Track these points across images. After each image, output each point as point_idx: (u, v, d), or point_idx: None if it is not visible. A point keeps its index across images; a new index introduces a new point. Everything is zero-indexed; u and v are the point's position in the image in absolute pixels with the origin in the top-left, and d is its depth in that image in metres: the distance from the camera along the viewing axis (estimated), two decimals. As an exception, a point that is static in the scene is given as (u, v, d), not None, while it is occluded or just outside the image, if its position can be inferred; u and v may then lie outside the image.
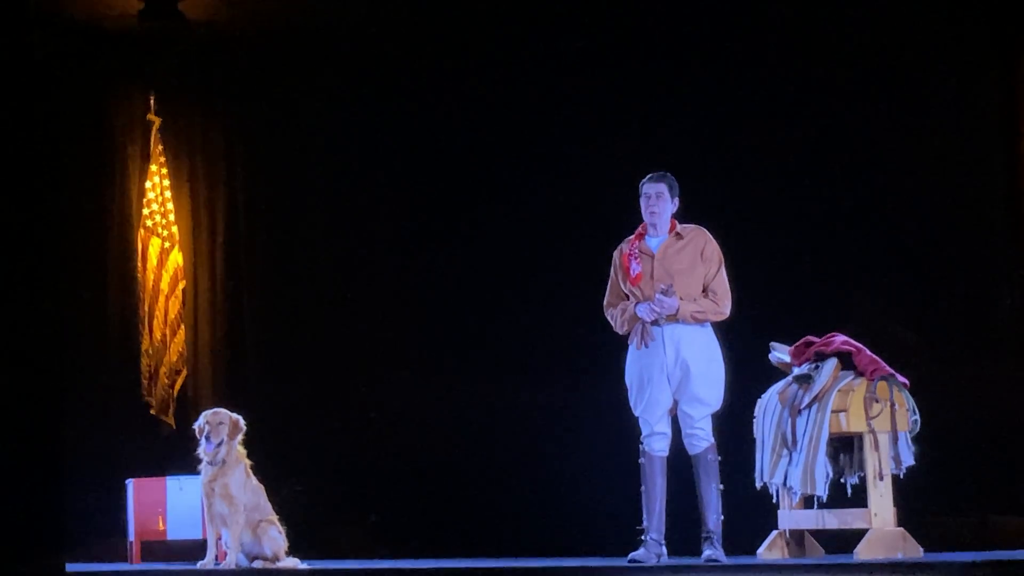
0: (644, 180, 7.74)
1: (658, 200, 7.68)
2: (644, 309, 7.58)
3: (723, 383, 7.63)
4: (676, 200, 7.72)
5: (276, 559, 7.99)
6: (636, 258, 7.66)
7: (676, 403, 7.61)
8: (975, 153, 8.87)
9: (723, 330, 7.74)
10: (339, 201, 10.35)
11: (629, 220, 7.80)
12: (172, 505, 9.34)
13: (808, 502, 7.87)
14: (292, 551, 8.11)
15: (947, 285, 8.84)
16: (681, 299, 7.54)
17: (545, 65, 9.70)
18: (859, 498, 7.74)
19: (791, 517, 7.92)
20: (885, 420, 7.68)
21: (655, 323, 7.58)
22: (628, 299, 7.71)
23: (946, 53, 8.90)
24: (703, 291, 7.63)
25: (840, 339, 7.92)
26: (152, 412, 10.35)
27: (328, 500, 9.90)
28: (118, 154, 10.66)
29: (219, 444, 7.90)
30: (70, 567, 7.67)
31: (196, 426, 8.02)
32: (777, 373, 8.11)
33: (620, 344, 7.76)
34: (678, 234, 7.70)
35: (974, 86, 8.88)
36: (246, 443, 8.05)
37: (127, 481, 9.50)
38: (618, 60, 9.51)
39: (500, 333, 9.70)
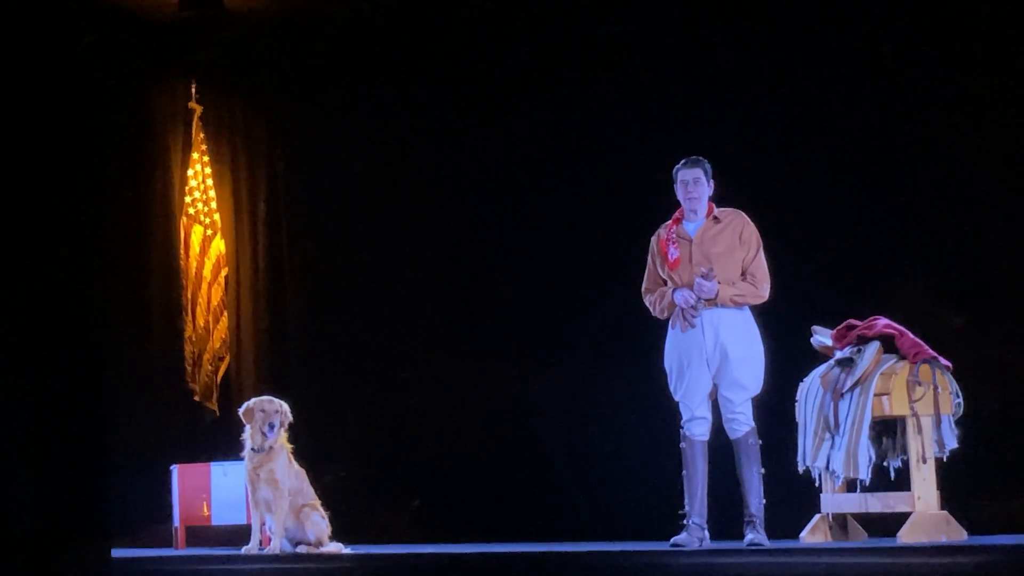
0: (678, 167, 7.71)
1: (696, 186, 7.65)
2: (681, 297, 7.56)
3: (763, 367, 7.60)
4: (712, 183, 7.69)
5: (319, 544, 8.03)
6: (674, 243, 7.64)
7: (716, 387, 7.60)
8: (1019, 134, 8.78)
9: (764, 314, 7.71)
10: (379, 188, 10.37)
11: (666, 205, 7.78)
12: (216, 490, 9.38)
13: (851, 486, 7.82)
14: (335, 536, 8.16)
15: (990, 267, 8.76)
16: (720, 283, 7.52)
17: (584, 50, 9.67)
18: (902, 481, 7.71)
19: (834, 501, 7.88)
20: (928, 403, 7.64)
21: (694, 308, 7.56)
22: (666, 284, 7.69)
23: (988, 35, 8.80)
24: (742, 275, 7.60)
25: (882, 322, 7.87)
26: (195, 399, 10.42)
27: (371, 485, 9.94)
28: (160, 143, 10.72)
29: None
30: (116, 553, 7.73)
31: (242, 410, 8.08)
32: (819, 357, 8.08)
33: (659, 329, 7.74)
34: (716, 218, 7.67)
35: (1018, 69, 8.79)
36: (288, 428, 8.10)
37: (172, 467, 9.56)
38: (657, 42, 9.45)
39: (541, 319, 9.68)
